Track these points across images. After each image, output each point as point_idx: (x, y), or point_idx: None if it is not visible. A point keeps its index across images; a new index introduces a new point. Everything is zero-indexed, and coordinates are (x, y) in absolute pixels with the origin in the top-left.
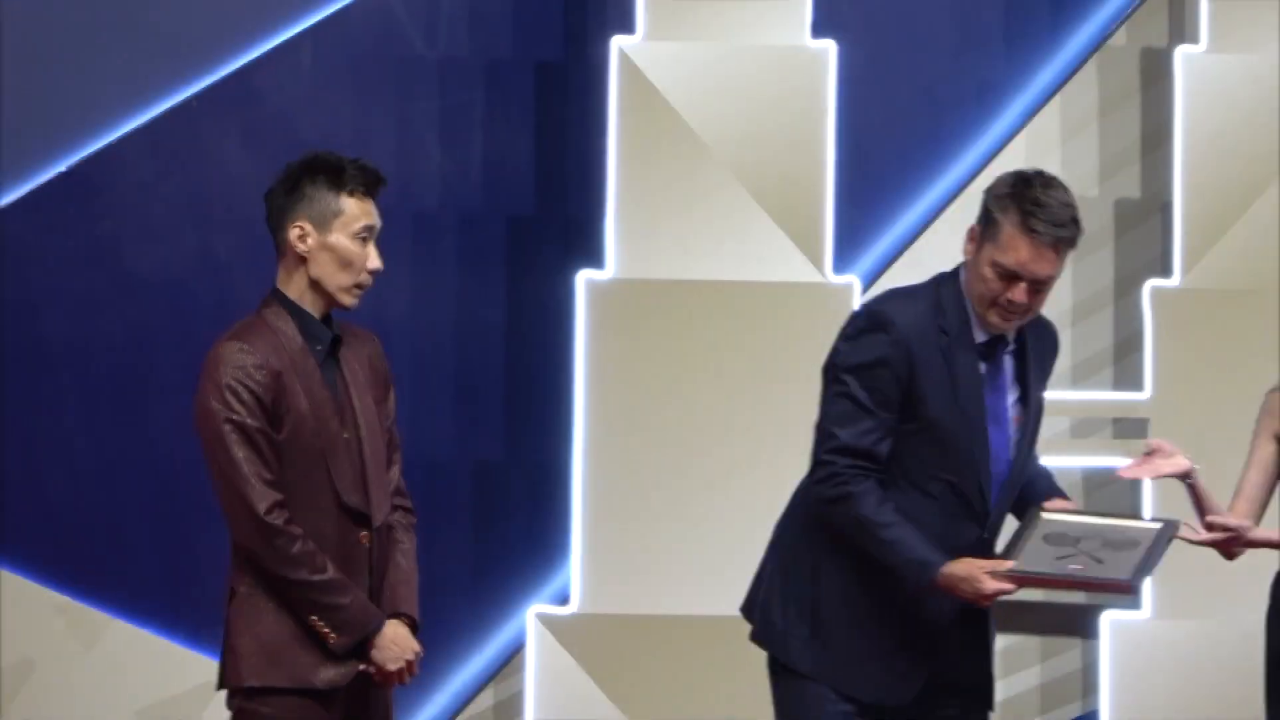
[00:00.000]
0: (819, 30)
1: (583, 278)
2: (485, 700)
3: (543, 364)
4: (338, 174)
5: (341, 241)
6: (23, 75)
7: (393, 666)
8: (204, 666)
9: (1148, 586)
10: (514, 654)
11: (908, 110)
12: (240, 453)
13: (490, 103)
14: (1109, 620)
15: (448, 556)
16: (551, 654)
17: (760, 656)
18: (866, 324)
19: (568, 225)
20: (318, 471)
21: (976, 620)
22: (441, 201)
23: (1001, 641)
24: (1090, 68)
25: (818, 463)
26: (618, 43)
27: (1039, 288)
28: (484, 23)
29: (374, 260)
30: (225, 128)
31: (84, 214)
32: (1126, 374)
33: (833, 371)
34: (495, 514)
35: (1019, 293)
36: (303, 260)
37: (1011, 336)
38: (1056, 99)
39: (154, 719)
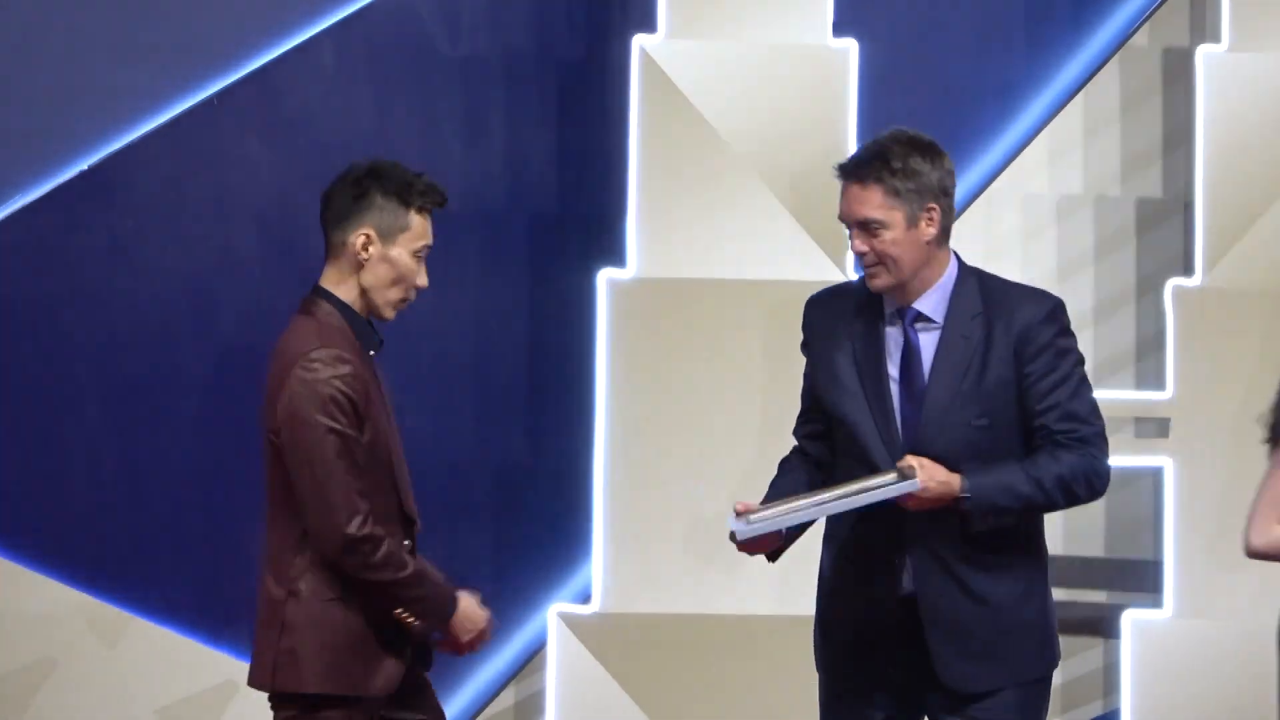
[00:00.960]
0: (840, 29)
1: (604, 276)
2: (506, 699)
3: (564, 363)
4: (408, 189)
5: (402, 257)
6: (43, 73)
7: (465, 639)
8: (226, 665)
9: (1170, 585)
10: (535, 653)
11: (929, 109)
12: (339, 464)
13: (512, 101)
14: (1130, 620)
15: (469, 555)
16: (573, 653)
17: (781, 655)
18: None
19: (589, 224)
20: (385, 476)
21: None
22: (463, 200)
23: None
24: (1112, 67)
25: None
26: (639, 41)
27: (867, 231)
28: (506, 21)
29: (423, 278)
30: (247, 126)
31: (105, 212)
32: (1148, 373)
33: None
34: (516, 513)
35: (855, 243)
36: (358, 266)
37: (940, 312)
38: (1078, 98)
39: (175, 718)
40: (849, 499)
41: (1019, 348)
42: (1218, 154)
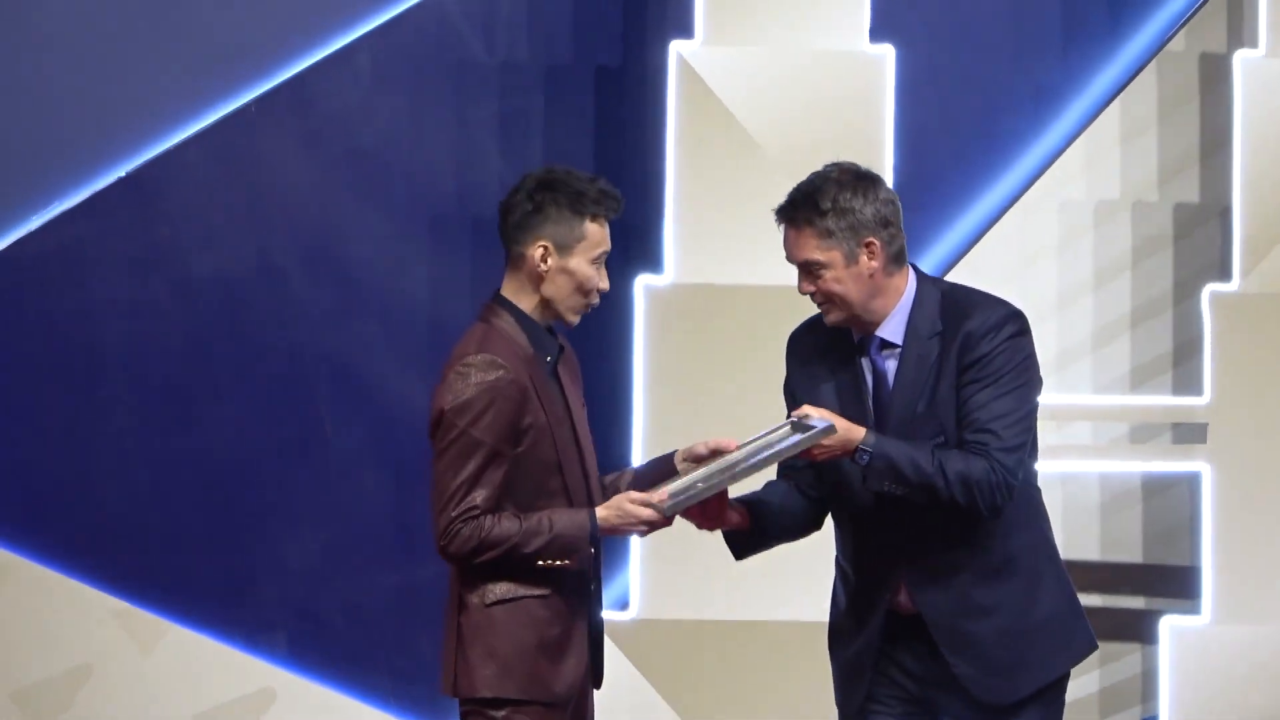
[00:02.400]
0: (877, 35)
1: (641, 282)
2: None
3: (602, 369)
4: (581, 199)
5: (581, 266)
6: (82, 80)
7: (631, 533)
8: (261, 672)
9: (1208, 591)
10: None
11: (966, 115)
12: (456, 466)
13: (549, 107)
14: (1168, 625)
15: None
16: (612, 659)
17: (816, 660)
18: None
19: (626, 230)
20: (553, 482)
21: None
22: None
23: None
24: (1149, 72)
25: None
26: (676, 47)
27: (810, 272)
28: (542, 27)
29: (604, 282)
30: (284, 133)
31: (142, 219)
32: (1186, 379)
33: None
34: None
35: (801, 282)
36: (539, 278)
37: (899, 335)
38: (1115, 103)
39: None
40: (761, 455)
41: (960, 358)
42: (1255, 159)
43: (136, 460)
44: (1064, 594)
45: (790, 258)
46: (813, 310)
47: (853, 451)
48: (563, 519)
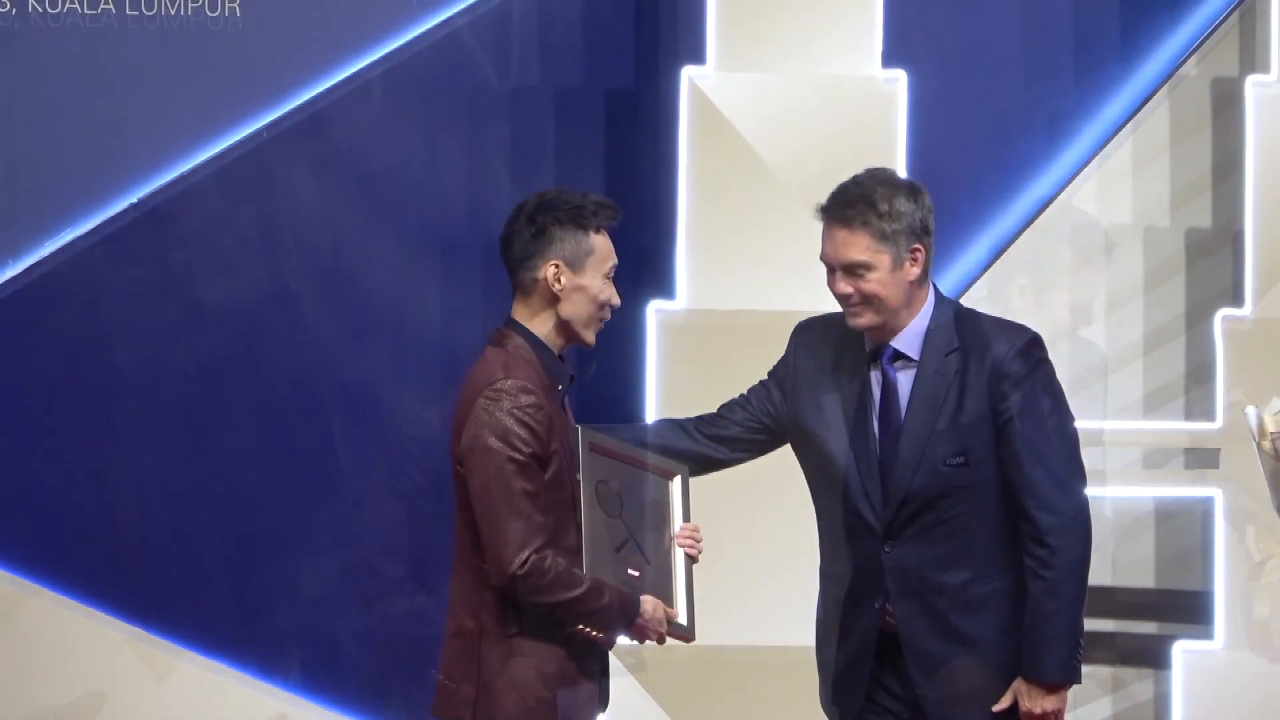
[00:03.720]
0: (889, 61)
1: (653, 308)
2: None
3: (614, 395)
4: (580, 212)
5: (594, 281)
6: (95, 106)
7: (642, 639)
8: (276, 699)
9: (1221, 616)
10: None
11: (978, 141)
12: (515, 493)
13: (561, 133)
14: (1181, 651)
15: None
16: (625, 686)
17: None
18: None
19: (638, 256)
20: (568, 510)
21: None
22: None
23: None
24: (1161, 98)
25: None
26: (688, 73)
27: (852, 273)
28: (554, 53)
29: (615, 297)
30: (296, 159)
31: (155, 245)
32: (1198, 404)
33: None
34: None
35: (839, 285)
36: (554, 299)
37: (915, 349)
38: (1128, 129)
39: None
40: None
41: (992, 383)
42: (1267, 185)
43: (150, 487)
44: None
45: (834, 256)
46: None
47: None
48: (617, 593)
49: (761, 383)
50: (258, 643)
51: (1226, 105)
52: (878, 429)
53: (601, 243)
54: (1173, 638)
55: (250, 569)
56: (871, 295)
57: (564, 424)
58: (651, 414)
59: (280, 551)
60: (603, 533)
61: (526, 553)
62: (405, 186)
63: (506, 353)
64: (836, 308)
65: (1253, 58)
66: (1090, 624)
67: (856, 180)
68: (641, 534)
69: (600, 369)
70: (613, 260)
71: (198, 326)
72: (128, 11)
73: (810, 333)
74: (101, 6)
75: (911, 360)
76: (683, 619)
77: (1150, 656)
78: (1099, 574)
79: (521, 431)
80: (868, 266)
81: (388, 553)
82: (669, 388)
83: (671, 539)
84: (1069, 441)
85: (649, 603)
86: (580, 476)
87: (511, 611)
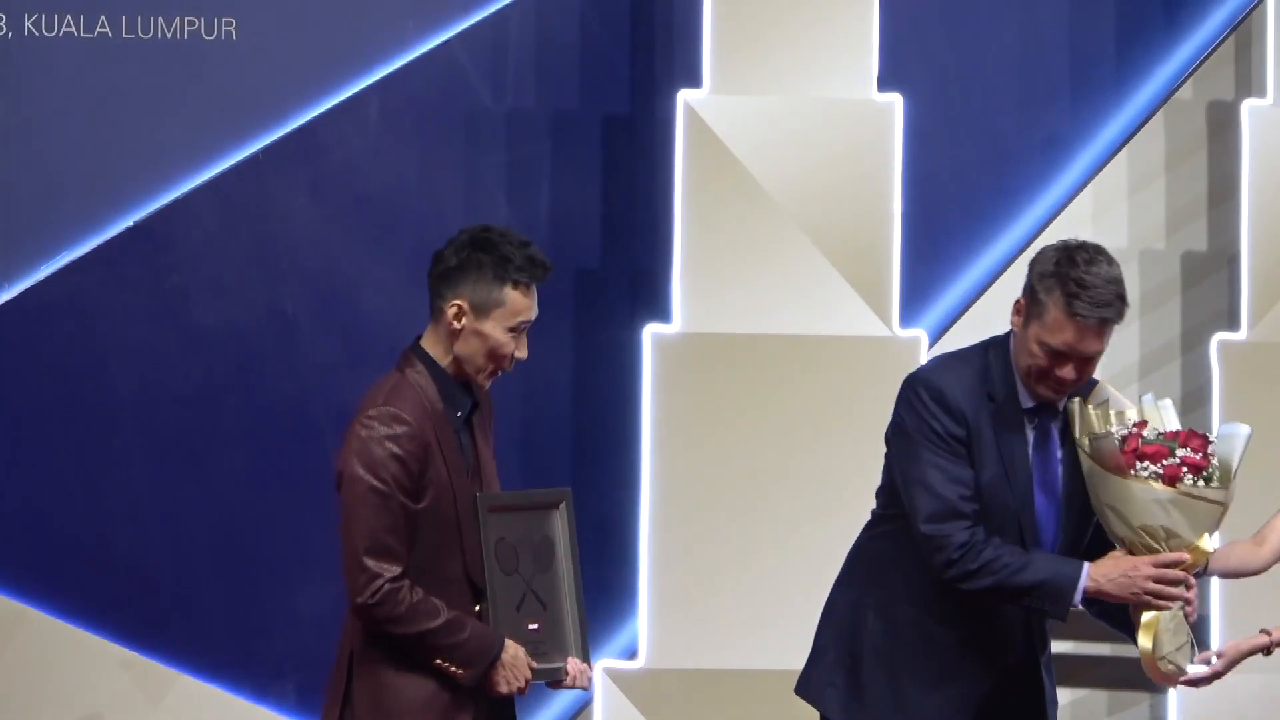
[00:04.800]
0: (885, 84)
1: (649, 332)
2: None
3: (610, 418)
4: (505, 263)
5: (495, 332)
6: (90, 129)
7: (504, 690)
8: None
9: (1217, 638)
10: (582, 708)
11: (974, 163)
12: (370, 521)
13: (557, 156)
14: None
15: None
16: (620, 708)
17: None
18: (928, 394)
19: (634, 279)
20: (450, 540)
21: (1029, 681)
22: None
23: (1069, 695)
24: (1157, 121)
25: (929, 538)
26: (684, 96)
27: (1086, 363)
28: (551, 76)
29: (521, 350)
30: (292, 181)
31: (151, 268)
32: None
33: (905, 442)
34: None
35: (1068, 370)
36: (453, 335)
37: (1062, 403)
38: (1123, 152)
39: None
40: None
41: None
42: (1263, 208)
43: (146, 509)
44: None
45: (1084, 350)
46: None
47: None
48: (479, 629)
49: (952, 458)
50: (253, 665)
51: (1222, 128)
52: (1037, 483)
53: (516, 298)
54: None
55: (246, 591)
56: (1087, 376)
57: (456, 450)
58: (647, 437)
59: (276, 574)
60: (502, 592)
61: (380, 581)
62: (401, 209)
63: (400, 376)
64: (834, 331)
65: (1248, 81)
66: (1087, 647)
67: (1094, 271)
68: (538, 581)
69: (595, 393)
70: (525, 317)
71: (194, 348)
72: (124, 34)
73: (963, 388)
74: (98, 29)
75: (1056, 412)
76: (575, 654)
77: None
78: None
79: (389, 462)
80: (1099, 355)
81: None
82: (665, 411)
83: (561, 572)
84: None
85: (511, 648)
86: (482, 541)
87: (375, 638)
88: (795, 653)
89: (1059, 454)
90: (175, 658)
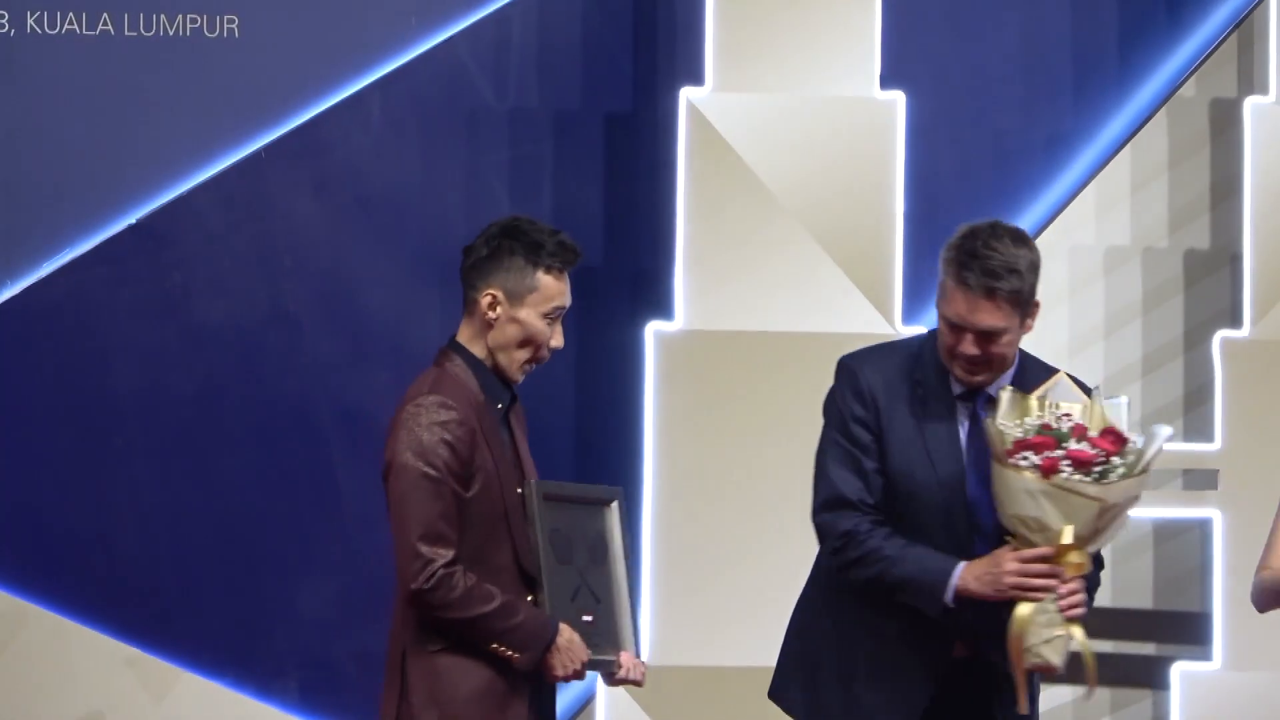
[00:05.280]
0: (888, 81)
1: (651, 329)
2: None
3: (612, 415)
4: (536, 248)
5: (530, 319)
6: (92, 126)
7: (560, 674)
8: (274, 719)
9: (1219, 637)
10: (584, 706)
11: (976, 162)
12: (424, 508)
13: (559, 154)
14: (1179, 671)
15: None
16: (622, 706)
17: None
18: (843, 377)
19: (636, 276)
20: (499, 529)
21: (976, 678)
22: None
23: (1072, 692)
24: (1160, 119)
25: (817, 526)
26: (686, 94)
27: (987, 338)
28: (553, 74)
29: (557, 339)
30: (294, 179)
31: (153, 266)
32: (1196, 425)
33: (823, 427)
34: None
35: (967, 344)
36: (487, 325)
37: (995, 387)
38: (1126, 150)
39: None
40: None
41: None
42: (1266, 205)
43: (148, 507)
44: None
45: (972, 323)
46: (831, 350)
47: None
48: (533, 613)
49: (852, 446)
50: (256, 663)
51: (1225, 126)
52: (969, 469)
53: (550, 283)
54: (1171, 658)
55: (249, 589)
56: (997, 356)
57: (500, 441)
58: (650, 435)
59: (279, 572)
60: (557, 581)
61: (434, 567)
62: (404, 207)
63: (441, 371)
64: (836, 328)
65: (1251, 79)
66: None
67: (991, 244)
68: (591, 574)
69: (598, 390)
70: (559, 302)
71: (196, 346)
72: (126, 31)
73: (879, 373)
74: (100, 26)
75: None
76: (629, 649)
77: (1149, 677)
78: (1097, 594)
79: (439, 448)
80: (1003, 331)
81: (387, 573)
82: (667, 409)
83: (615, 568)
84: None
85: (566, 632)
86: (537, 529)
87: (430, 631)
88: None
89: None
90: (178, 655)
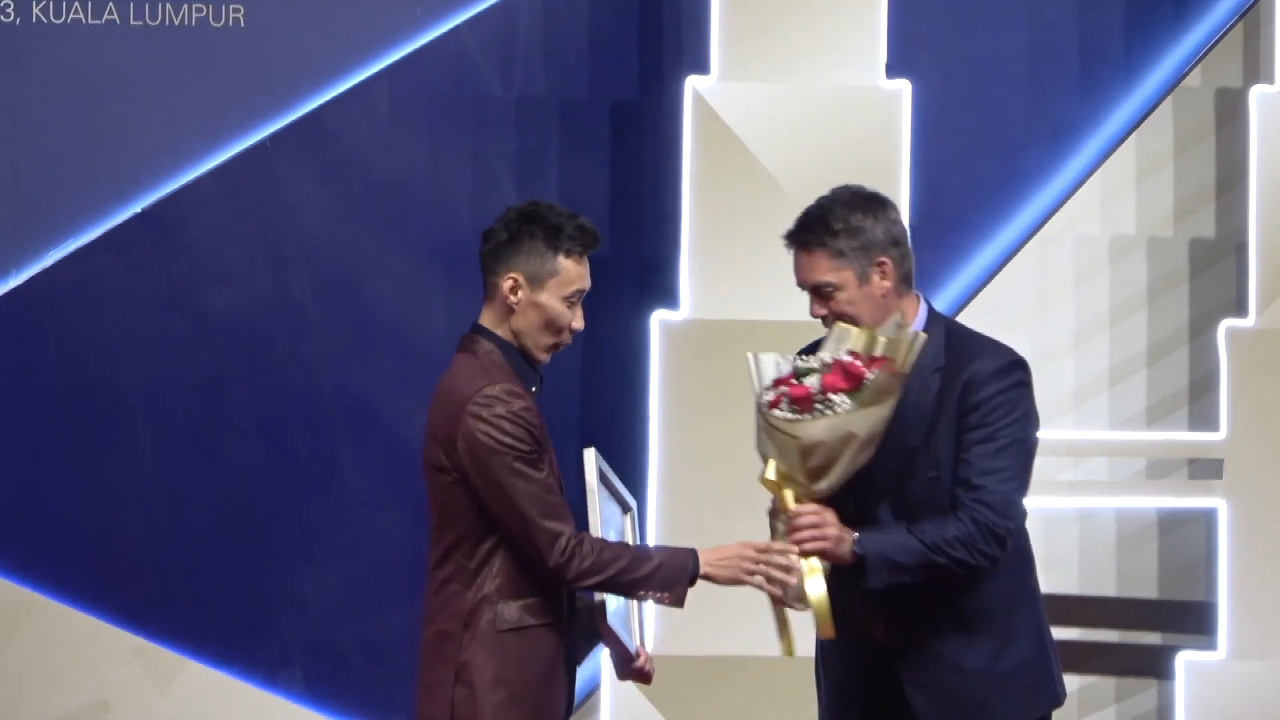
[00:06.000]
0: (893, 70)
1: (657, 318)
2: None
3: (617, 404)
4: (556, 232)
5: (551, 302)
6: (99, 115)
7: (745, 577)
8: (280, 708)
9: (1224, 627)
10: (589, 695)
11: (982, 151)
12: (533, 488)
13: (565, 143)
14: (1184, 661)
15: None
16: (627, 696)
17: None
18: None
19: (642, 265)
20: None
21: (890, 669)
22: None
23: (1077, 681)
24: (1165, 108)
25: None
26: (692, 83)
27: (824, 296)
28: (559, 63)
29: (578, 321)
30: (300, 169)
31: (159, 255)
32: (1202, 414)
33: None
34: None
35: (814, 306)
36: (509, 310)
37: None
38: (1131, 139)
39: None
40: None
41: (962, 399)
42: (1271, 195)
43: (154, 496)
44: (1037, 644)
45: (802, 281)
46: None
47: (850, 561)
48: (665, 552)
49: None
50: (261, 652)
51: (1230, 116)
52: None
53: (570, 266)
54: (1176, 648)
55: (254, 578)
56: (842, 314)
57: (543, 422)
58: (655, 423)
59: (284, 561)
60: None
61: (563, 540)
62: (410, 196)
63: (479, 359)
64: None
65: (1256, 68)
66: (1094, 634)
67: (816, 202)
68: None
69: (604, 379)
70: (579, 286)
71: (202, 335)
72: (131, 21)
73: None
74: (105, 15)
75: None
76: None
77: (1154, 667)
78: (1103, 584)
79: (520, 431)
80: (833, 286)
81: (392, 562)
82: (672, 397)
83: None
84: (1016, 463)
85: (707, 553)
86: (594, 495)
87: (499, 611)
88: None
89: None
90: (183, 644)
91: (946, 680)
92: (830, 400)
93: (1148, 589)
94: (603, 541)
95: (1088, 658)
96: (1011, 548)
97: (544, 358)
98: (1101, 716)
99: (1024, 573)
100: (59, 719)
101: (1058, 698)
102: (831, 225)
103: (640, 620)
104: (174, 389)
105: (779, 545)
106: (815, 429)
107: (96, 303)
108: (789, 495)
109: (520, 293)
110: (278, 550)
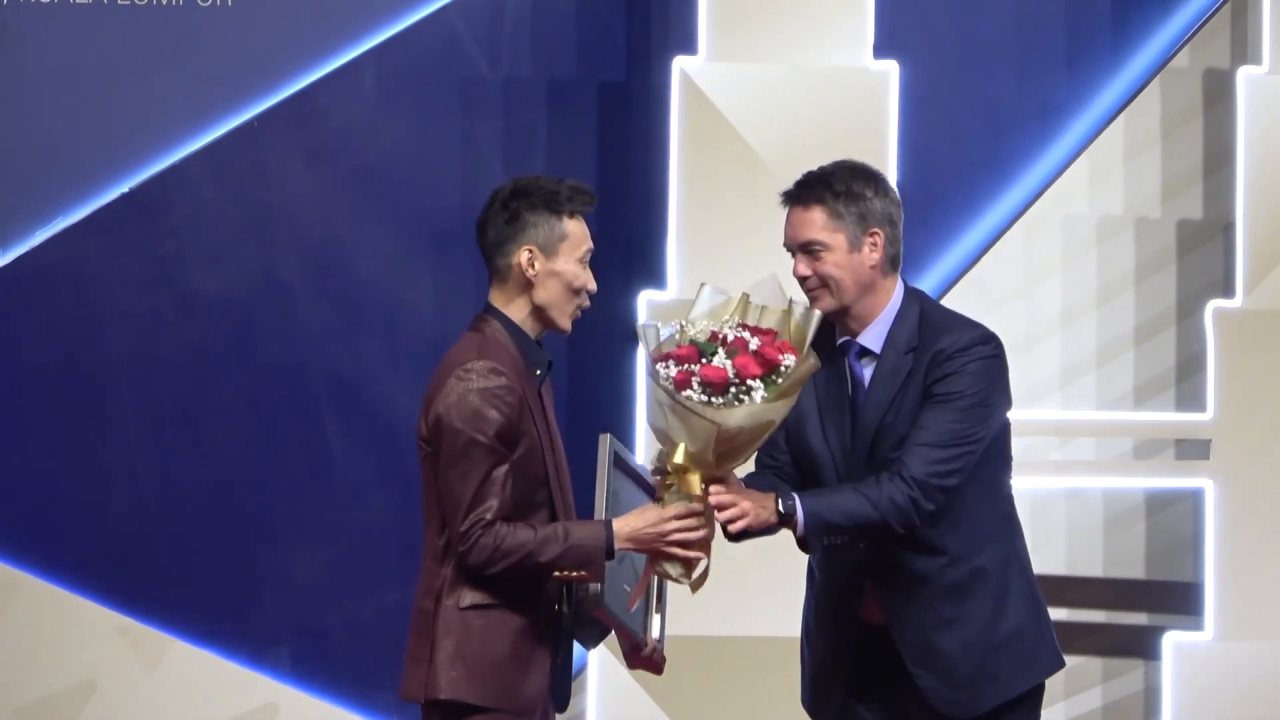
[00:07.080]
0: (881, 51)
1: (644, 298)
2: None
3: (605, 385)
4: (554, 197)
5: (568, 266)
6: (85, 95)
7: (665, 548)
8: (267, 688)
9: (1211, 607)
10: (576, 675)
11: (970, 131)
12: (474, 472)
13: (553, 123)
14: (1171, 642)
15: None
16: (614, 676)
17: None
18: None
19: (629, 246)
20: (540, 494)
21: (882, 647)
22: None
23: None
24: (1153, 89)
25: None
26: (680, 64)
27: (810, 253)
28: (546, 43)
29: (592, 282)
30: (287, 148)
31: (146, 234)
32: (1189, 395)
33: None
34: None
35: (796, 265)
36: (528, 285)
37: (879, 344)
38: (1119, 120)
39: None
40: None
41: (927, 375)
42: (1258, 175)
43: (141, 476)
44: (1032, 610)
45: (792, 238)
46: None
47: (776, 521)
48: (579, 529)
49: None
50: (248, 632)
51: (1218, 96)
52: (850, 424)
53: (576, 227)
54: (1163, 628)
55: (241, 559)
56: (827, 276)
57: (541, 408)
58: (641, 405)
59: (271, 541)
60: None
61: (469, 527)
62: (397, 176)
63: (483, 336)
64: None
65: (1244, 49)
66: (1081, 614)
67: (820, 168)
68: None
69: (591, 360)
70: (588, 245)
71: (189, 315)
72: (119, 0)
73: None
74: None
75: (874, 355)
76: (654, 634)
77: (1141, 647)
78: (1090, 565)
79: (489, 413)
80: (823, 246)
81: (378, 542)
82: None
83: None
84: (963, 433)
85: (621, 522)
86: (604, 482)
87: (472, 586)
88: (788, 620)
89: (863, 393)
90: (170, 624)
91: (948, 655)
92: (749, 386)
93: (1134, 569)
94: (514, 527)
95: (1074, 638)
96: (1007, 515)
97: (568, 325)
98: (1088, 697)
99: (1017, 540)
100: (45, 698)
101: (1060, 659)
102: (834, 185)
103: (663, 611)
104: (161, 369)
105: (693, 521)
106: (736, 416)
107: (83, 283)
108: (695, 479)
109: (537, 264)
110: (264, 530)
